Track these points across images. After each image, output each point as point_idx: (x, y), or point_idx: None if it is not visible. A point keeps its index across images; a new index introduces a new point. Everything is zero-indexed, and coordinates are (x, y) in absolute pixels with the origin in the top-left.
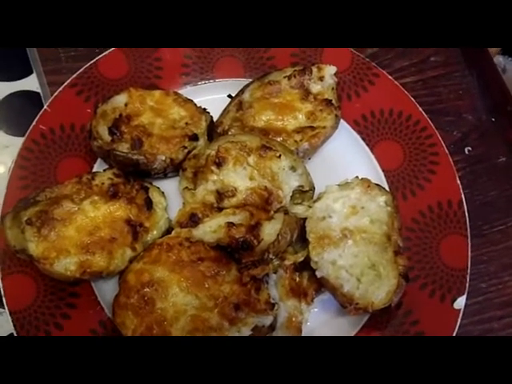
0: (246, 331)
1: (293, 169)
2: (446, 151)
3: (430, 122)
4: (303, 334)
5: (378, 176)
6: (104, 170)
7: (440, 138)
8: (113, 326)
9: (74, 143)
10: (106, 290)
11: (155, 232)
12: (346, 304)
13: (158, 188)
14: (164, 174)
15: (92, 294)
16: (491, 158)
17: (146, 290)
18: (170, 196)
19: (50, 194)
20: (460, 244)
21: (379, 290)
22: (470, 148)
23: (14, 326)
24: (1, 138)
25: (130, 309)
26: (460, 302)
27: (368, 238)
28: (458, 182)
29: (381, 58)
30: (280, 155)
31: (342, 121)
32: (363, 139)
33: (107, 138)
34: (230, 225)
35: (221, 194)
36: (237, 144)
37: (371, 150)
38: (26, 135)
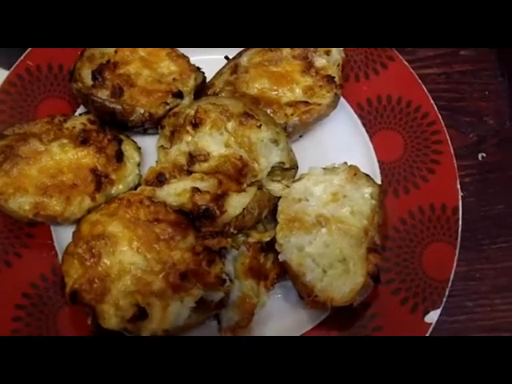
0: (189, 302)
1: (274, 142)
2: (452, 151)
3: (441, 118)
4: (257, 319)
5: (372, 166)
6: (80, 115)
7: (447, 136)
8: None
9: (59, 84)
10: (65, 238)
11: (121, 186)
12: (304, 294)
13: (135, 143)
14: (143, 130)
15: (49, 238)
16: (506, 169)
17: (96, 242)
18: (149, 154)
19: (19, 130)
20: (446, 254)
21: (343, 286)
22: (484, 154)
23: None
24: None
25: (76, 258)
26: (432, 316)
27: (344, 230)
28: (458, 186)
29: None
30: (260, 125)
31: (344, 102)
32: (364, 125)
33: (89, 82)
34: (196, 190)
35: (193, 157)
36: (218, 107)
37: (370, 137)
38: (11, 69)
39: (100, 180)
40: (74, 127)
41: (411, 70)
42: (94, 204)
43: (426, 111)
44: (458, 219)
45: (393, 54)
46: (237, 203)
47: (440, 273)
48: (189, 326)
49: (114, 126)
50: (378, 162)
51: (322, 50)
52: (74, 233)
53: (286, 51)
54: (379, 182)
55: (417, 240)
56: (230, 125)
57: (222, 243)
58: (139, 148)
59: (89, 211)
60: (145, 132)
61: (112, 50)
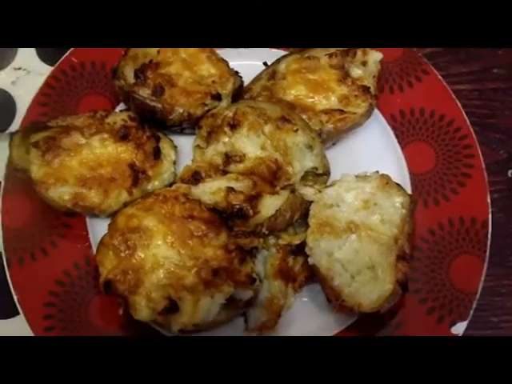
0: (219, 298)
1: (309, 148)
2: (483, 165)
3: (474, 133)
4: (283, 320)
5: (402, 176)
6: (121, 111)
7: (479, 150)
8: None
9: (101, 81)
10: (100, 230)
11: (157, 182)
12: (331, 298)
13: (171, 141)
14: (181, 129)
15: (84, 230)
16: None
17: (131, 235)
18: (184, 153)
19: (62, 123)
20: (475, 266)
21: (371, 293)
22: None
23: (4, 243)
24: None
25: (111, 249)
26: (459, 328)
27: (374, 237)
28: (489, 200)
29: (438, 59)
30: (297, 129)
31: (377, 113)
32: (396, 136)
33: (131, 80)
34: (230, 190)
35: (229, 158)
36: (256, 110)
37: (402, 148)
38: (56, 64)
39: (137, 175)
40: (114, 123)
41: (445, 84)
42: (130, 198)
43: (459, 126)
44: (487, 233)
45: (427, 67)
46: (270, 205)
47: (467, 285)
48: (217, 323)
49: (153, 124)
50: (409, 172)
51: (358, 60)
52: (109, 225)
53: (324, 60)
54: (410, 192)
55: (445, 251)
56: (267, 128)
57: (253, 243)
58: (175, 147)
59: (125, 205)
60: (182, 131)
61: (155, 50)
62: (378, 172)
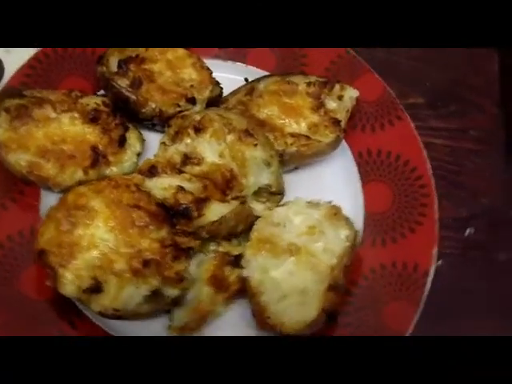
0: (144, 290)
1: (267, 164)
2: (436, 217)
3: (438, 187)
4: (208, 328)
5: (357, 212)
6: (96, 96)
7: (436, 202)
8: None
9: (88, 66)
10: (51, 204)
11: (115, 169)
12: (256, 313)
13: (141, 134)
14: (152, 124)
15: (36, 200)
16: (489, 251)
17: (76, 211)
18: (152, 148)
19: (37, 94)
20: (407, 313)
21: (296, 315)
22: (472, 231)
23: None
24: None
25: (54, 221)
26: None
27: (312, 263)
28: (435, 252)
29: (419, 110)
30: (257, 144)
31: (346, 147)
32: (359, 172)
33: (114, 68)
34: (181, 188)
35: (187, 159)
36: (223, 119)
37: (362, 185)
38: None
39: (97, 158)
40: (87, 105)
41: (415, 133)
42: (85, 178)
43: (421, 174)
44: (426, 283)
45: (402, 114)
46: (216, 210)
47: (397, 329)
48: (140, 314)
49: (126, 114)
50: (364, 209)
51: (335, 94)
52: (59, 199)
53: (302, 87)
54: (361, 228)
55: (382, 292)
56: (230, 137)
57: (190, 243)
58: (143, 140)
59: (80, 183)
60: (153, 127)
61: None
62: (330, 202)
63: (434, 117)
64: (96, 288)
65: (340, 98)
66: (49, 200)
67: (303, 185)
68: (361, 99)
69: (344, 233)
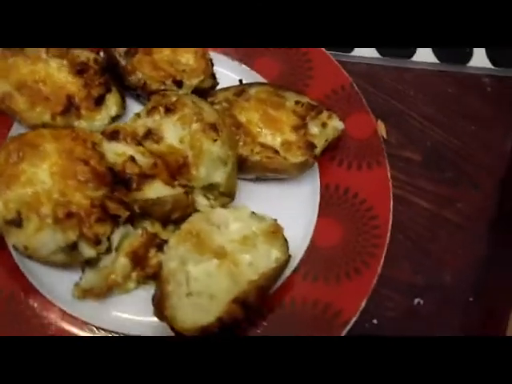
0: (60, 240)
1: (223, 163)
2: (378, 271)
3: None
4: (111, 300)
5: (302, 241)
6: (92, 52)
7: (382, 257)
8: None
9: None
10: None
11: (84, 123)
12: (157, 300)
13: (123, 101)
14: (136, 95)
15: (6, 129)
16: (430, 329)
17: (28, 149)
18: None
19: None
20: None
21: (192, 316)
22: (420, 302)
23: None
24: None
25: (5, 152)
26: None
27: (233, 273)
28: (363, 304)
29: (412, 166)
30: (217, 140)
31: (316, 176)
32: (320, 204)
33: None
34: (132, 159)
35: (149, 134)
36: (196, 107)
37: (318, 217)
38: None
39: (69, 108)
40: (78, 56)
41: (389, 183)
42: (52, 122)
43: (378, 224)
44: (341, 332)
45: (383, 161)
46: (156, 190)
47: None
48: (52, 262)
49: (115, 78)
50: (310, 241)
51: (320, 120)
52: (21, 134)
53: (291, 104)
54: (299, 257)
55: (294, 327)
56: (195, 126)
57: (119, 211)
58: (124, 107)
59: (44, 126)
60: (137, 98)
61: None
62: (275, 220)
63: (425, 178)
64: (16, 222)
65: (324, 125)
66: (18, 131)
67: (259, 196)
68: (348, 134)
69: (275, 254)
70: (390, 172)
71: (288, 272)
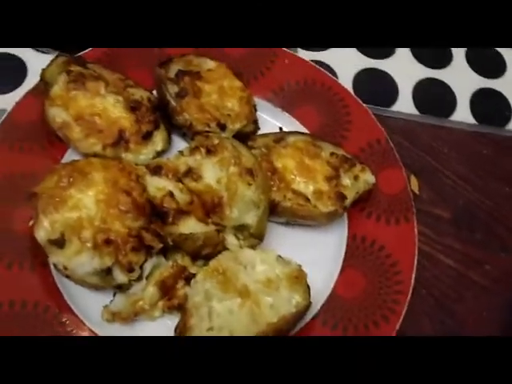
0: (96, 263)
1: (255, 206)
2: (396, 327)
3: (409, 296)
4: (137, 325)
5: (324, 288)
6: (146, 91)
7: (402, 314)
8: None
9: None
10: None
11: (130, 156)
12: (179, 330)
13: (169, 138)
14: (182, 134)
15: (60, 155)
16: None
17: (78, 175)
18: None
19: (97, 70)
20: None
21: None
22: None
23: None
24: None
25: (57, 175)
26: None
27: (254, 313)
28: None
29: (441, 224)
30: (252, 184)
31: (344, 226)
32: (345, 255)
33: (171, 74)
34: (170, 194)
35: (189, 172)
36: (235, 151)
37: (342, 266)
38: None
39: (119, 141)
40: (133, 94)
41: (416, 240)
42: (102, 152)
43: (401, 279)
44: None
45: (411, 217)
46: (190, 226)
47: None
48: (86, 282)
49: (165, 117)
50: (332, 289)
51: (353, 172)
52: (72, 160)
53: (326, 154)
54: (320, 304)
55: None
56: (232, 169)
57: (153, 243)
58: (169, 143)
59: (95, 155)
60: (183, 136)
61: (208, 66)
62: (299, 266)
63: (454, 236)
64: (59, 243)
65: (356, 178)
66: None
67: (286, 240)
68: (379, 188)
69: (296, 299)
70: (418, 227)
71: (308, 317)
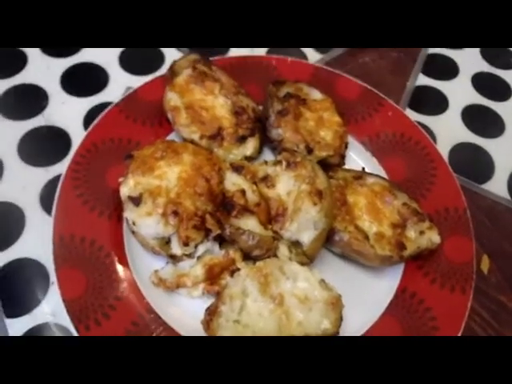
0: (159, 229)
1: (315, 225)
2: None
3: None
4: (174, 297)
5: (359, 329)
6: (254, 102)
7: None
8: None
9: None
10: None
11: (222, 152)
12: (208, 312)
13: (260, 147)
14: (273, 148)
15: (166, 134)
16: None
17: (171, 153)
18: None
19: (219, 74)
20: None
21: None
22: None
23: None
24: None
25: (155, 148)
26: None
27: (282, 324)
28: None
29: (501, 315)
30: (316, 205)
31: (399, 276)
32: (390, 303)
33: (280, 94)
34: (242, 191)
35: (266, 178)
36: (313, 171)
37: (383, 313)
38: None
39: (216, 136)
40: (241, 101)
41: (467, 313)
42: (198, 141)
43: (437, 325)
44: None
45: (469, 290)
46: (249, 224)
47: None
48: (146, 242)
49: (262, 128)
50: (366, 331)
51: (420, 227)
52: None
53: (398, 203)
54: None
55: None
56: (304, 187)
57: (213, 226)
58: (259, 152)
59: (192, 142)
60: (273, 150)
61: (316, 96)
62: (339, 295)
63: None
64: (136, 201)
65: (421, 233)
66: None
67: (336, 271)
68: (444, 253)
69: (326, 324)
70: (476, 308)
71: None
